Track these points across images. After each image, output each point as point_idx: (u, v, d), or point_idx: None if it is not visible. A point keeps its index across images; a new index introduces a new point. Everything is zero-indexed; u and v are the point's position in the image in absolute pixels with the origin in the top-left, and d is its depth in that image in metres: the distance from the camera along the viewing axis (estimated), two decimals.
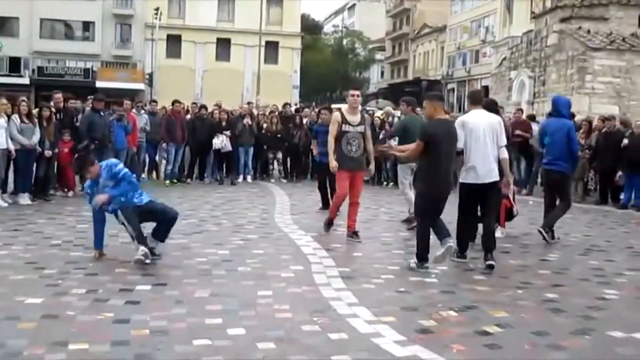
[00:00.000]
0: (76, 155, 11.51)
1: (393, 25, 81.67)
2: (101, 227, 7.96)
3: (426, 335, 5.41)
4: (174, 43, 54.94)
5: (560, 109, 10.23)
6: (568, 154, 9.99)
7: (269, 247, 8.89)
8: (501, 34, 50.90)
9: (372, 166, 10.26)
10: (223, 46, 55.96)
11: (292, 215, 11.83)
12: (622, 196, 14.76)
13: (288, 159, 18.52)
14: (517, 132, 16.60)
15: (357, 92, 10.04)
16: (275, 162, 18.61)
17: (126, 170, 8.03)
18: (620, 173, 14.44)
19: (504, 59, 38.26)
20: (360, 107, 10.21)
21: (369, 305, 6.17)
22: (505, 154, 8.26)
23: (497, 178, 8.18)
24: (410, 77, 72.14)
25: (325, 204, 12.50)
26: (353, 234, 9.60)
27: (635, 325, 5.85)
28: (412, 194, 10.32)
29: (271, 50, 55.38)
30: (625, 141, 14.32)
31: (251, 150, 17.62)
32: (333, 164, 9.58)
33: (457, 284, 7.18)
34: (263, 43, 49.08)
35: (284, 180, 18.00)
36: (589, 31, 29.36)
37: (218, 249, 8.63)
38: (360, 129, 9.62)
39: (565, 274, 7.95)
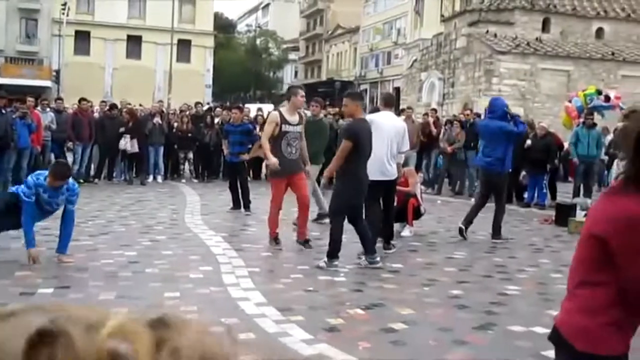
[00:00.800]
0: None
1: (307, 25, 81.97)
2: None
3: (333, 333, 5.45)
4: (82, 39, 53.45)
5: (496, 110, 10.50)
6: (504, 154, 10.24)
7: (178, 248, 8.77)
8: (412, 36, 51.81)
9: (308, 167, 9.56)
10: (134, 43, 54.83)
11: (203, 216, 11.71)
12: (525, 195, 15.25)
13: (199, 159, 18.31)
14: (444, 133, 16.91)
15: (303, 93, 9.46)
16: (187, 162, 18.37)
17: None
18: (524, 173, 14.91)
19: (415, 60, 38.98)
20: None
21: (277, 305, 6.16)
22: (401, 159, 9.26)
23: (393, 177, 8.81)
24: (324, 77, 72.54)
25: (236, 204, 12.43)
26: (305, 242, 9.07)
27: (535, 319, 6.05)
28: (320, 192, 10.36)
29: (183, 48, 54.60)
30: (529, 142, 14.80)
31: (161, 149, 17.33)
32: (273, 160, 8.95)
33: (365, 282, 7.27)
34: (175, 41, 48.29)
35: (195, 181, 17.80)
36: (495, 35, 30.25)
37: (125, 250, 8.45)
38: (300, 128, 9.24)
39: (470, 271, 8.16)
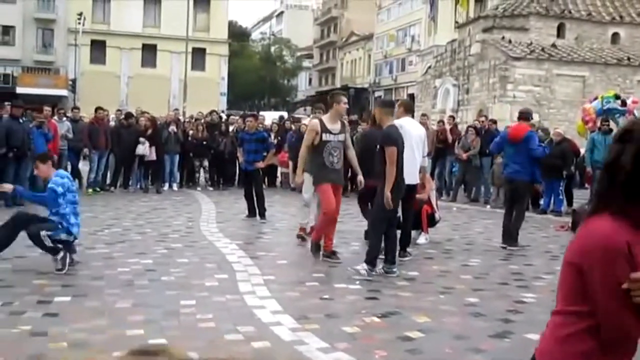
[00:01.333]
0: None
1: (321, 33, 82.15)
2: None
3: (349, 341, 5.44)
4: (98, 49, 53.86)
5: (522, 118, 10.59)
6: (528, 163, 10.22)
7: (194, 256, 8.79)
8: (426, 42, 51.76)
9: (360, 177, 9.02)
10: (149, 52, 55.18)
11: (218, 224, 11.74)
12: (541, 202, 15.18)
13: (214, 167, 18.37)
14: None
15: (346, 100, 9.05)
16: (202, 170, 18.43)
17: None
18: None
19: (429, 67, 38.95)
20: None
21: (293, 313, 6.17)
22: (425, 162, 9.30)
23: (417, 181, 8.99)
24: (338, 84, 72.59)
25: (252, 212, 12.46)
26: (331, 253, 8.67)
27: None
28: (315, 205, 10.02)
29: (198, 56, 54.91)
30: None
31: (177, 158, 17.42)
32: (300, 179, 8.97)
33: (381, 290, 7.25)
34: (190, 49, 48.59)
35: (211, 188, 17.85)
36: (510, 41, 30.16)
37: (141, 259, 8.49)
38: (342, 137, 8.81)
39: (486, 279, 8.12)
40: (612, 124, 15.76)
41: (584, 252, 2.04)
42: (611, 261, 1.96)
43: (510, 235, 10.27)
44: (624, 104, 16.03)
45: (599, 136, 15.04)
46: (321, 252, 8.76)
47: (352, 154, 9.13)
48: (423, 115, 17.73)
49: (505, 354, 5.32)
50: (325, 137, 8.64)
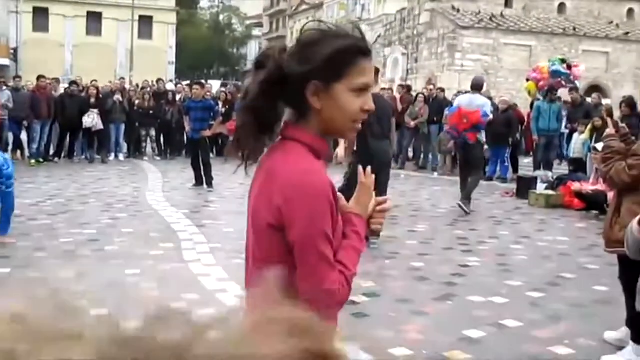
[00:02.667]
0: None
1: (271, 1, 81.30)
2: None
3: None
4: (41, 16, 52.36)
5: (476, 86, 10.98)
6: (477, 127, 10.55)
7: (139, 226, 8.69)
8: (376, 11, 51.65)
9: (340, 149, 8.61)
10: (94, 20, 53.88)
11: (165, 193, 11.61)
12: (487, 168, 15.37)
13: (161, 136, 18.13)
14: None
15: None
16: (149, 140, 18.17)
17: None
18: (486, 147, 14.99)
19: (379, 36, 38.94)
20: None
21: (239, 280, 6.13)
22: None
23: None
24: None
25: (199, 181, 12.34)
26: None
27: (493, 290, 6.13)
28: None
29: (145, 25, 53.82)
30: (490, 116, 14.86)
31: (122, 127, 17.12)
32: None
33: None
34: (136, 17, 47.64)
35: (158, 158, 17.62)
36: (458, 10, 30.31)
37: (84, 229, 8.35)
38: None
39: (431, 244, 8.21)
40: (559, 93, 15.98)
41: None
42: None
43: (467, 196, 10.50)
44: (569, 67, 16.38)
45: (545, 104, 15.24)
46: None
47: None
48: None
49: (448, 316, 5.40)
50: None
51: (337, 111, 1.79)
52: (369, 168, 2.00)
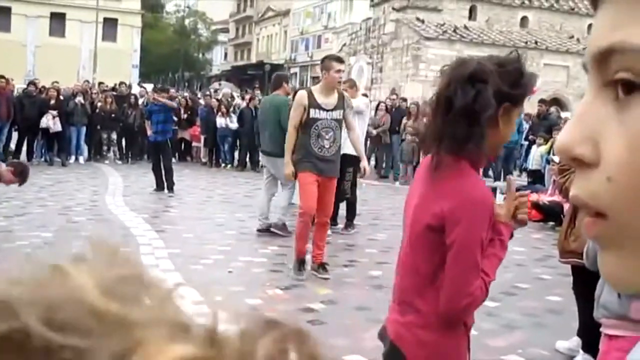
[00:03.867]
0: None
1: (237, 7, 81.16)
2: None
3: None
4: (2, 16, 51.62)
5: None
6: None
7: (97, 230, 8.60)
8: (342, 20, 51.95)
9: (363, 163, 7.69)
10: (57, 21, 53.26)
11: (125, 197, 11.51)
12: None
13: (123, 140, 17.97)
14: None
15: (342, 67, 6.94)
16: (110, 143, 17.99)
17: None
18: None
19: (344, 45, 39.10)
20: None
21: (196, 285, 6.11)
22: None
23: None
24: (253, 60, 72.03)
25: (160, 186, 12.26)
26: (319, 267, 6.84)
27: None
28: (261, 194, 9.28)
29: (109, 27, 53.37)
30: None
31: (84, 130, 16.93)
32: (288, 169, 6.87)
33: (286, 264, 7.27)
34: (101, 19, 47.24)
35: (119, 162, 17.46)
36: (423, 21, 30.59)
37: (42, 232, 8.25)
38: (337, 114, 6.83)
39: (391, 252, 8.22)
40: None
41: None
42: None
43: None
44: None
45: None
46: (308, 266, 6.92)
47: (354, 136, 7.44)
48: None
49: None
50: (313, 113, 6.72)
51: (506, 133, 2.06)
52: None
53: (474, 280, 1.99)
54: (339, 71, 6.77)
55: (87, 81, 23.55)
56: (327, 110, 6.75)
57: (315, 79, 41.72)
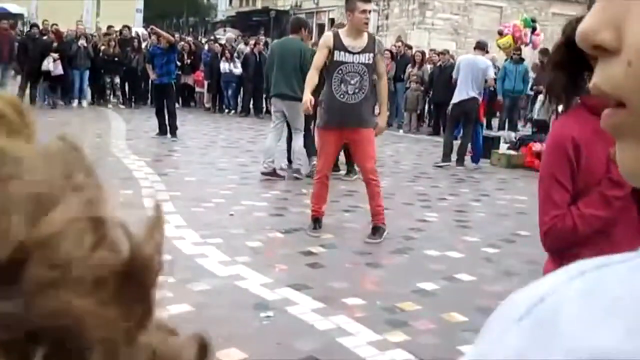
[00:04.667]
0: None
1: None
2: None
3: (251, 255, 5.47)
4: None
5: (479, 45, 11.56)
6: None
7: (100, 172, 8.58)
8: None
9: (382, 118, 6.88)
10: None
11: (127, 141, 11.49)
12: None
13: (126, 84, 17.86)
14: None
15: (368, 6, 6.29)
16: (113, 87, 17.88)
17: None
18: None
19: None
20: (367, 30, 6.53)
21: (197, 227, 6.15)
22: None
23: None
24: (259, 6, 71.12)
25: (163, 130, 12.22)
26: (373, 230, 6.30)
27: (450, 244, 6.20)
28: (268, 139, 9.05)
29: None
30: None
31: (87, 73, 16.82)
32: (305, 97, 6.36)
33: (287, 208, 7.30)
34: None
35: (122, 106, 17.38)
36: None
37: None
38: (365, 58, 6.25)
39: (392, 199, 8.24)
40: (523, 53, 16.02)
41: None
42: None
43: (452, 153, 11.13)
44: (534, 30, 16.46)
45: (511, 65, 15.31)
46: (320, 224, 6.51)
47: (381, 84, 6.72)
48: None
49: (403, 269, 5.46)
50: (338, 56, 6.24)
51: None
52: None
53: (549, 210, 2.21)
54: (364, 11, 6.17)
55: (80, 21, 23.18)
56: (354, 54, 6.22)
57: (321, 27, 41.23)
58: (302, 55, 8.61)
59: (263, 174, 8.81)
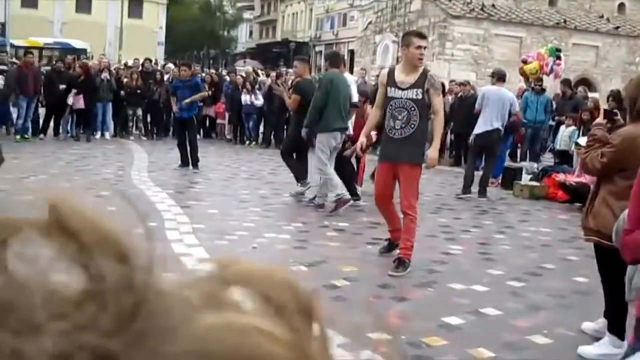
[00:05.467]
0: None
1: None
2: None
3: None
4: None
5: (501, 77, 11.61)
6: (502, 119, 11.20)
7: (122, 204, 8.64)
8: None
9: (432, 151, 6.81)
10: None
11: (150, 173, 11.56)
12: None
13: (148, 116, 18.02)
14: None
15: (423, 43, 6.39)
16: (135, 119, 18.06)
17: None
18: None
19: (370, 22, 38.83)
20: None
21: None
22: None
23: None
24: (278, 37, 71.86)
25: (184, 162, 12.29)
26: (397, 263, 6.26)
27: (475, 278, 6.15)
28: (332, 172, 8.93)
29: (135, 4, 53.51)
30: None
31: (109, 106, 16.99)
32: (361, 138, 6.92)
33: (310, 240, 7.28)
34: None
35: (144, 138, 17.52)
36: None
37: None
38: (413, 94, 6.26)
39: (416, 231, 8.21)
40: (545, 84, 16.01)
41: None
42: None
43: (477, 185, 11.15)
44: (558, 58, 16.52)
45: (532, 95, 15.27)
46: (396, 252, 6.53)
47: (437, 121, 6.68)
48: (362, 69, 17.71)
49: (428, 302, 5.41)
50: (390, 92, 6.35)
51: None
52: None
53: None
54: (419, 47, 6.25)
55: (103, 55, 23.51)
56: (403, 89, 6.28)
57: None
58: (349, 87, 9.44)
59: (318, 206, 9.04)
